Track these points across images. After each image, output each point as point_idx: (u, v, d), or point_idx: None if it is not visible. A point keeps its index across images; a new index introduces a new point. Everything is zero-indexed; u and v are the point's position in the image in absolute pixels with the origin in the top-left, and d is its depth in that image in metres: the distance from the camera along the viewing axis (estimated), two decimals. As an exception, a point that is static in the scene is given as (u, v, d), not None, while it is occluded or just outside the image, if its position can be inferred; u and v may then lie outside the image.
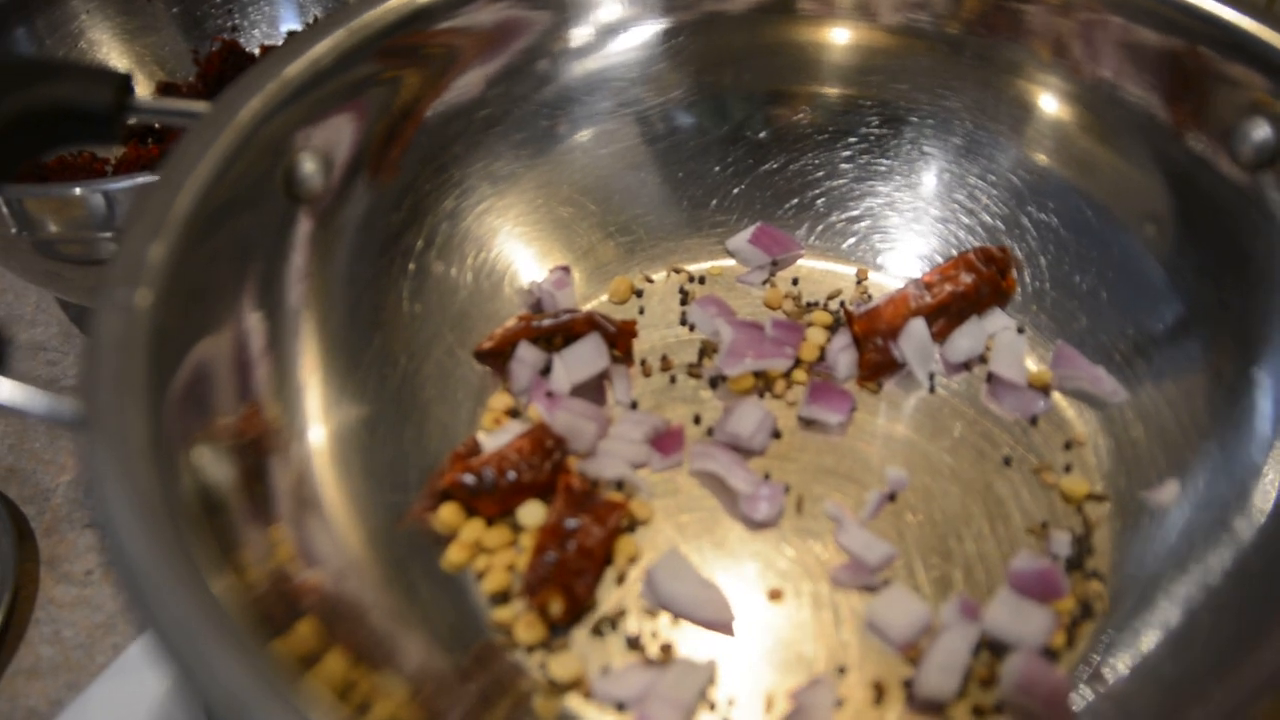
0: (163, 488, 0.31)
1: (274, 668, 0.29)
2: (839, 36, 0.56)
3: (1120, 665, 0.43)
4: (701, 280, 0.57)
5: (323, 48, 0.45)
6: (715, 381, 0.53)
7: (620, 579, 0.46)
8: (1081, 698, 0.42)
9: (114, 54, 0.77)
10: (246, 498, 0.38)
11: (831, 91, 0.57)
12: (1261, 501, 0.44)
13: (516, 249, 0.55)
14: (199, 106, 0.43)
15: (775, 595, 0.46)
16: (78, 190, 0.54)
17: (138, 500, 0.31)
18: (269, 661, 0.29)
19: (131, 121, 0.74)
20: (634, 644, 0.44)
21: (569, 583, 0.44)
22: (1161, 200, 0.50)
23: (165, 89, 0.77)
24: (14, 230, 0.57)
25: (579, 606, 0.44)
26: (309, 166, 0.45)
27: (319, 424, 0.45)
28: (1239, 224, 0.47)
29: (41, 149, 0.42)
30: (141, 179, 0.54)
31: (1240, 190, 0.47)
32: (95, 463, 0.31)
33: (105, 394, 0.33)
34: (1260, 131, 0.46)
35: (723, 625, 0.45)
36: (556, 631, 0.44)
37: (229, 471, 0.37)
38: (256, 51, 0.80)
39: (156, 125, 0.77)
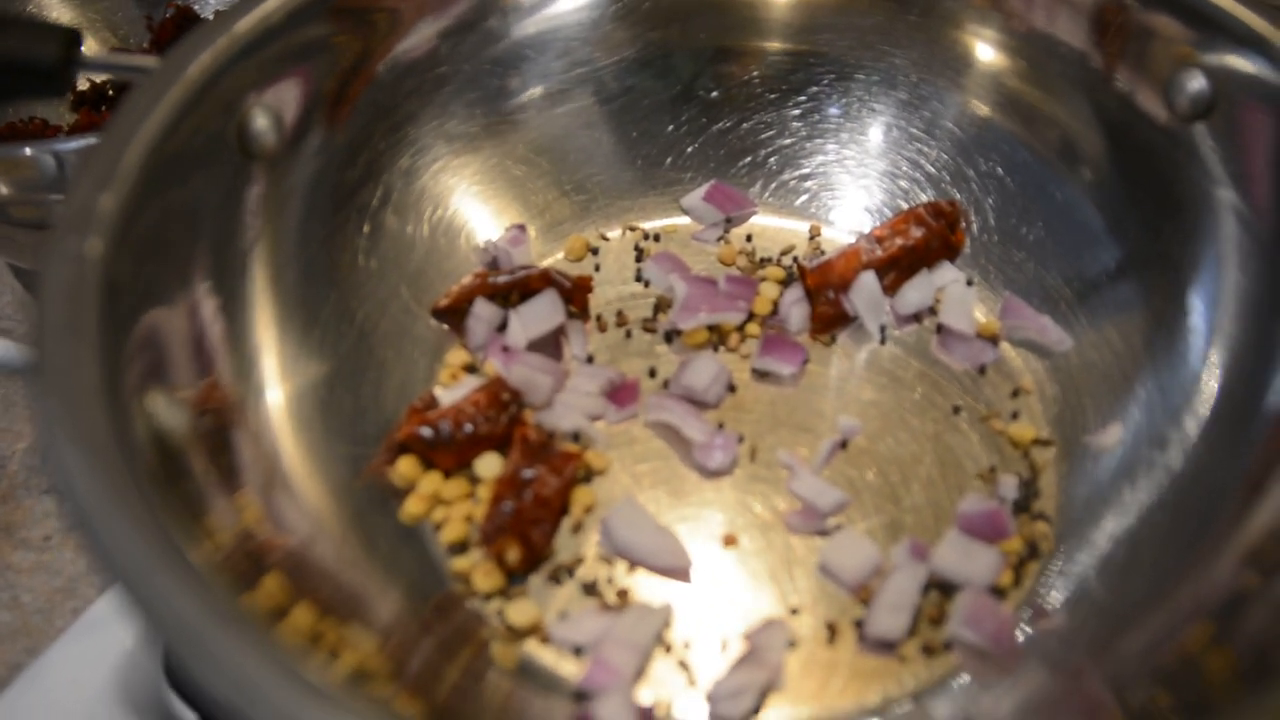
0: (116, 433, 0.32)
1: (236, 609, 0.30)
2: (781, -8, 0.57)
3: (1063, 600, 0.44)
4: (656, 238, 0.58)
5: (273, 4, 0.45)
6: (670, 336, 0.53)
7: (577, 528, 0.47)
8: (1026, 632, 0.43)
9: (65, 18, 0.76)
10: (208, 459, 0.38)
11: (778, 48, 0.57)
12: (1196, 436, 0.45)
13: (473, 207, 0.55)
14: (149, 62, 0.43)
15: (730, 541, 0.46)
16: (28, 150, 0.54)
17: (90, 446, 0.31)
18: (231, 602, 0.30)
19: (81, 85, 0.75)
20: (590, 590, 0.45)
21: (526, 531, 0.45)
22: (1099, 149, 0.51)
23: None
24: (-37, 193, 0.56)
25: (536, 555, 0.45)
26: (261, 122, 0.45)
27: (276, 383, 0.45)
28: (1175, 172, 0.48)
29: (-12, 104, 0.41)
30: (93, 139, 0.54)
31: (1176, 139, 0.48)
32: (46, 409, 0.31)
33: (55, 341, 0.33)
34: (1195, 83, 0.48)
35: (679, 571, 0.45)
36: (514, 580, 0.45)
37: (185, 421, 0.37)
38: (211, 17, 0.79)
39: (110, 92, 0.76)
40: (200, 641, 0.29)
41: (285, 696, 0.28)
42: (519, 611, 0.43)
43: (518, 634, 0.43)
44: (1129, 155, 0.50)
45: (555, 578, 0.45)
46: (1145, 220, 0.49)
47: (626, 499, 0.47)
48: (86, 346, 0.33)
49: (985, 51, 0.54)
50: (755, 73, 0.58)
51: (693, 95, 0.58)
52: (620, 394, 0.50)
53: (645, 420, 0.50)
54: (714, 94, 0.58)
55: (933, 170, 0.56)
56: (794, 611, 0.44)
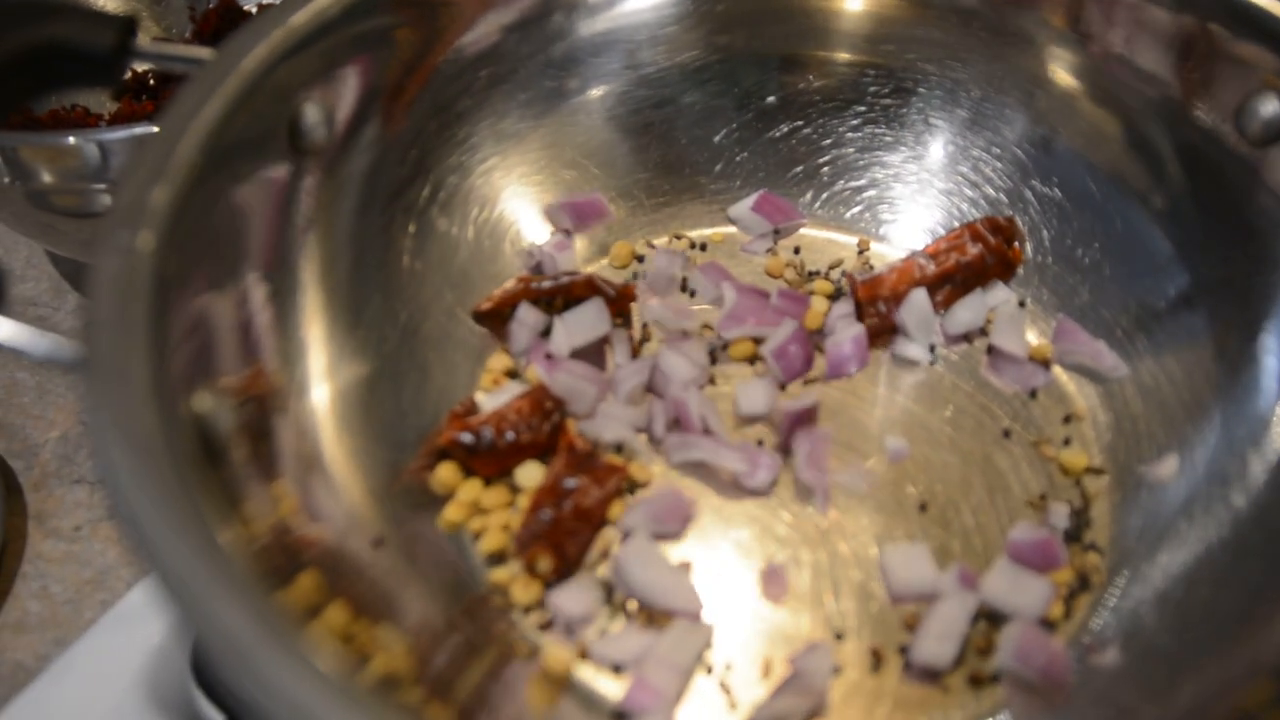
0: (164, 429, 0.31)
1: (274, 611, 0.29)
2: (852, 3, 0.55)
3: (1117, 637, 0.43)
4: (703, 247, 0.57)
5: (329, -3, 0.44)
6: (714, 353, 0.52)
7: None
8: (1078, 669, 0.42)
9: (109, 7, 0.76)
10: (249, 450, 0.38)
11: (842, 58, 0.56)
12: (1262, 476, 0.44)
13: (519, 209, 0.54)
14: (203, 53, 0.42)
15: (773, 562, 0.45)
16: (72, 139, 0.53)
17: (138, 441, 0.30)
18: (269, 604, 0.29)
19: (135, 69, 0.74)
20: (621, 608, 0.44)
21: (560, 542, 0.44)
22: (1169, 173, 0.50)
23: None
24: (6, 180, 0.56)
25: (568, 566, 0.44)
26: (313, 117, 0.44)
27: (321, 380, 0.44)
28: (1246, 198, 0.47)
29: (40, 91, 0.41)
30: (137, 129, 0.53)
31: (1248, 165, 0.47)
32: (95, 403, 0.31)
33: (105, 335, 0.32)
34: (1269, 107, 0.46)
35: (690, 614, 0.44)
36: (551, 585, 0.44)
37: (231, 419, 0.37)
38: (254, 10, 0.79)
39: (151, 82, 0.76)
40: (236, 647, 0.28)
41: (314, 701, 0.27)
42: (555, 657, 0.42)
43: (554, 678, 0.42)
44: (1201, 181, 0.49)
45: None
46: (1215, 248, 0.48)
47: (638, 536, 0.45)
48: (136, 341, 0.32)
49: (1058, 72, 0.53)
50: (815, 82, 0.57)
51: (748, 103, 0.57)
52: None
53: (672, 462, 0.48)
54: (770, 101, 0.57)
55: (990, 191, 0.55)
56: (838, 636, 0.43)
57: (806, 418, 0.49)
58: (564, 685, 0.41)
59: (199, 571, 0.29)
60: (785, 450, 0.49)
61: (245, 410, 0.38)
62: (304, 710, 0.27)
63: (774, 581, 0.45)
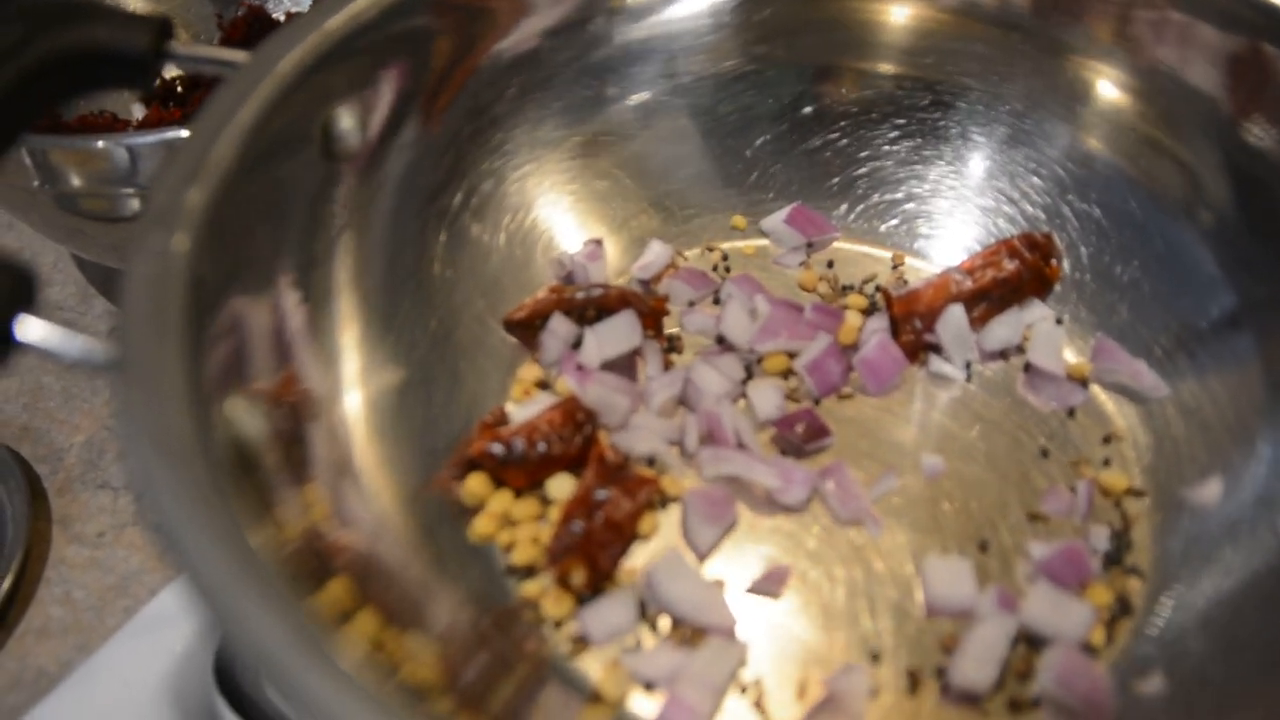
0: (197, 433, 0.30)
1: (307, 617, 0.28)
2: (897, 15, 0.55)
3: (1161, 664, 0.42)
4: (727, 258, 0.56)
5: (365, 1, 0.43)
6: (749, 369, 0.51)
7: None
8: (1120, 696, 0.41)
9: (139, 11, 0.75)
10: (281, 455, 0.37)
11: (884, 70, 0.56)
12: (1313, 500, 0.43)
13: (552, 217, 0.54)
14: (238, 56, 0.42)
15: (807, 579, 0.45)
16: (101, 143, 0.53)
17: (171, 444, 0.30)
18: (302, 609, 0.28)
19: (163, 76, 0.74)
20: (653, 624, 0.43)
21: (593, 554, 0.43)
22: (1218, 190, 0.49)
23: (191, 50, 0.76)
24: (36, 183, 0.56)
25: (601, 578, 0.43)
26: (347, 123, 0.44)
27: (353, 384, 0.44)
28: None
29: (76, 94, 0.40)
30: (167, 134, 0.53)
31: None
32: (128, 405, 0.30)
33: (139, 337, 0.31)
34: (1320, 126, 0.45)
35: (724, 631, 0.43)
36: (585, 600, 0.43)
37: (263, 425, 0.36)
38: (282, 17, 0.79)
39: (179, 88, 0.76)
40: (268, 651, 0.27)
41: (345, 706, 0.27)
42: (609, 681, 0.41)
43: (604, 700, 0.41)
44: (1248, 200, 0.48)
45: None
46: (1263, 268, 0.47)
47: (671, 552, 0.44)
48: (170, 344, 0.32)
49: (1104, 88, 0.52)
50: (852, 93, 0.56)
51: (786, 113, 0.56)
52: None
53: (704, 476, 0.47)
54: (807, 111, 0.56)
55: (1028, 208, 0.54)
56: (875, 657, 0.42)
57: (812, 429, 0.48)
58: (614, 712, 0.41)
59: (231, 575, 0.28)
60: (798, 454, 0.48)
61: (278, 414, 0.38)
62: (335, 716, 0.26)
63: (774, 579, 0.44)
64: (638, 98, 0.55)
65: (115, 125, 0.71)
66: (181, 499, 0.29)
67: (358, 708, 0.27)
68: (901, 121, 0.56)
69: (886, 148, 0.56)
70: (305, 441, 0.39)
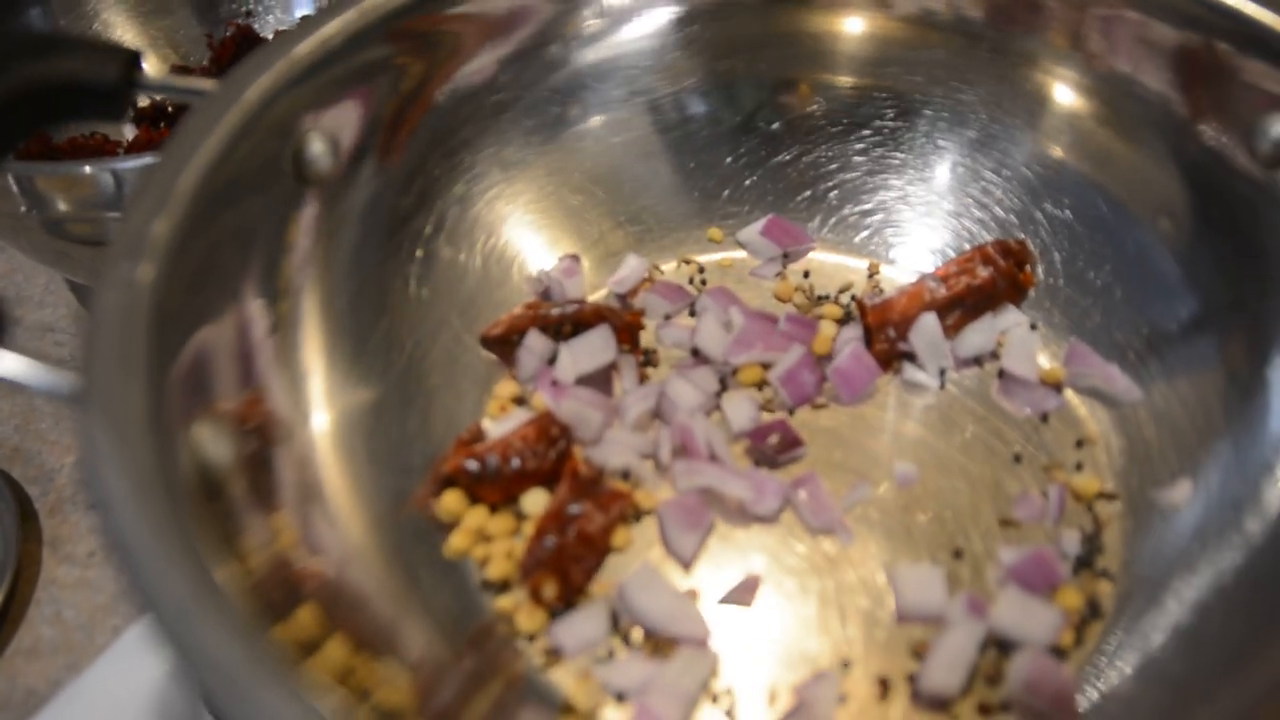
0: (161, 465, 0.31)
1: (273, 652, 0.29)
2: (853, 26, 0.55)
3: (1128, 665, 0.42)
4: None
5: (332, 28, 0.44)
6: (724, 381, 0.52)
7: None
8: (1088, 697, 0.41)
9: (128, 36, 0.77)
10: (248, 482, 0.38)
11: (845, 81, 0.56)
12: (1275, 501, 0.43)
13: (526, 236, 0.54)
14: (206, 84, 0.43)
15: (779, 588, 0.45)
16: (87, 169, 0.54)
17: (135, 477, 0.30)
18: (268, 645, 0.29)
19: (141, 102, 0.75)
20: (625, 638, 0.43)
21: (565, 568, 0.44)
22: (1177, 195, 0.49)
23: (178, 72, 0.76)
24: (23, 209, 0.56)
25: (573, 592, 0.44)
26: (318, 147, 0.45)
27: (322, 409, 0.45)
28: (1256, 220, 0.46)
29: (47, 124, 0.41)
30: (150, 159, 0.54)
31: (1258, 186, 0.46)
32: (92, 438, 0.31)
33: (104, 369, 0.32)
34: (1280, 129, 0.46)
35: (697, 641, 0.43)
36: (557, 614, 0.44)
37: (229, 452, 0.37)
38: (271, 37, 0.80)
39: (169, 109, 0.77)
40: (232, 684, 0.28)
41: None
42: (581, 693, 0.42)
43: (576, 711, 0.42)
44: (1209, 203, 0.48)
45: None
46: (1225, 271, 0.47)
47: (644, 565, 0.45)
48: (134, 375, 0.32)
49: (1062, 92, 0.53)
50: (819, 106, 0.57)
51: (753, 127, 0.57)
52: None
53: (680, 487, 0.47)
54: (775, 126, 0.57)
55: (1000, 213, 0.55)
56: (845, 664, 0.43)
57: (785, 441, 0.49)
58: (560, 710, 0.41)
59: (193, 608, 0.29)
60: (771, 465, 0.49)
61: (245, 441, 0.38)
62: None
63: (746, 589, 0.45)
64: (604, 117, 0.55)
65: (106, 146, 0.72)
66: (142, 528, 0.29)
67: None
68: (868, 133, 0.57)
69: (856, 158, 0.57)
70: (272, 466, 0.40)
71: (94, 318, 0.33)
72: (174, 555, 0.29)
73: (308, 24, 0.44)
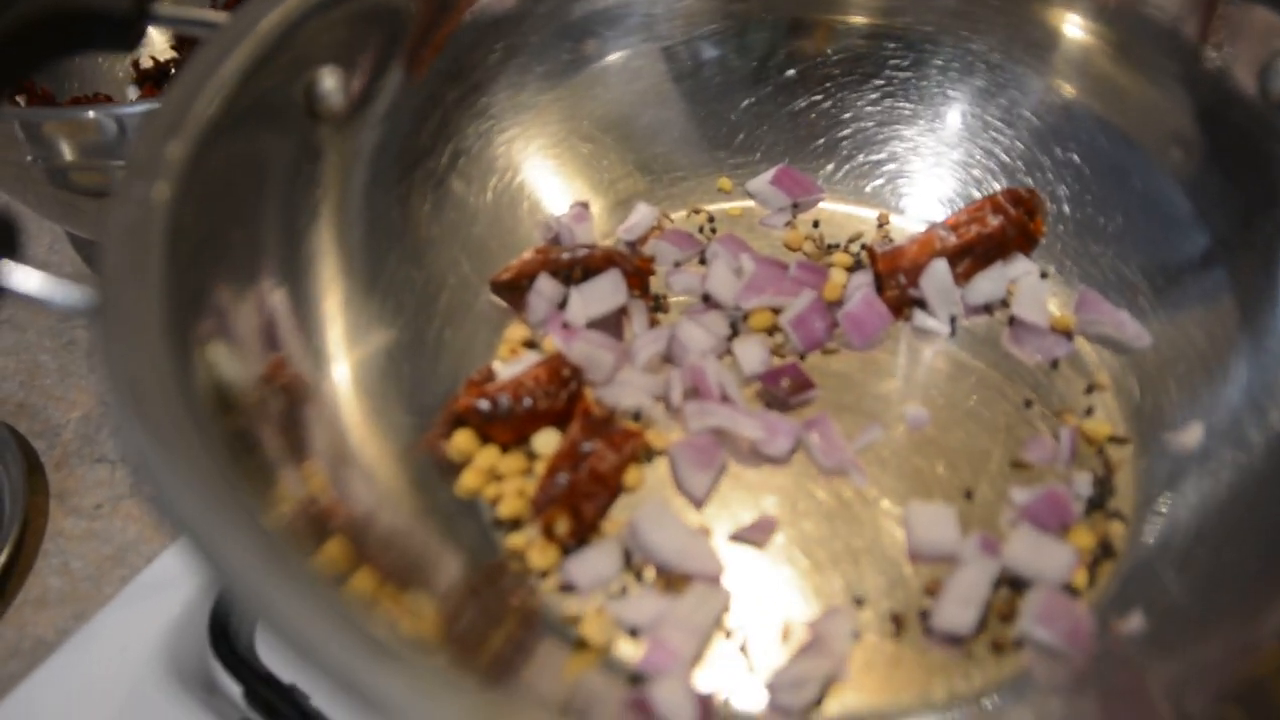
0: (177, 375, 0.31)
1: (302, 560, 0.29)
2: (868, -34, 0.55)
3: (1139, 602, 0.42)
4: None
5: (345, -38, 0.44)
6: (735, 326, 0.52)
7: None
8: (1102, 635, 0.41)
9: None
10: (264, 408, 0.37)
11: (858, 22, 0.56)
12: (1284, 437, 0.43)
13: (537, 180, 0.54)
14: (219, 17, 0.42)
15: (792, 527, 0.45)
16: (92, 113, 0.54)
17: (152, 387, 0.30)
18: (295, 550, 0.29)
19: (148, 62, 0.75)
20: (638, 574, 0.43)
21: (577, 504, 0.44)
22: (1188, 127, 0.49)
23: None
24: (29, 158, 0.56)
25: (585, 529, 0.44)
26: (329, 83, 0.44)
27: (339, 347, 0.44)
28: (1269, 159, 0.46)
29: (61, 52, 0.41)
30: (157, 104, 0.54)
31: (1271, 126, 0.46)
32: (109, 350, 0.31)
33: (119, 281, 0.32)
34: (1292, 70, 0.46)
35: (710, 577, 0.43)
36: (569, 550, 0.44)
37: (244, 372, 0.37)
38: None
39: (173, 70, 0.76)
40: (262, 594, 0.28)
41: (349, 654, 0.27)
42: (594, 628, 0.42)
43: (590, 646, 0.42)
44: (1220, 140, 0.48)
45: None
46: (1235, 208, 0.47)
47: (655, 501, 0.44)
48: (150, 289, 0.32)
49: (1072, 31, 0.52)
50: (831, 54, 0.56)
51: (766, 74, 0.57)
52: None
53: (691, 428, 0.47)
54: (788, 73, 0.57)
55: (1008, 159, 0.55)
56: (859, 601, 0.43)
57: (796, 383, 0.48)
58: (600, 658, 0.41)
59: (223, 524, 0.28)
60: (783, 407, 0.49)
61: (257, 364, 0.38)
62: (338, 663, 0.27)
63: (761, 529, 0.45)
64: (618, 61, 0.55)
65: (110, 103, 0.72)
66: (165, 445, 0.29)
67: (370, 660, 0.27)
68: (880, 82, 0.56)
69: (868, 108, 0.57)
70: (293, 403, 0.40)
71: (108, 235, 0.33)
72: (194, 464, 0.29)
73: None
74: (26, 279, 0.32)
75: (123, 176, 0.35)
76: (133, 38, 0.41)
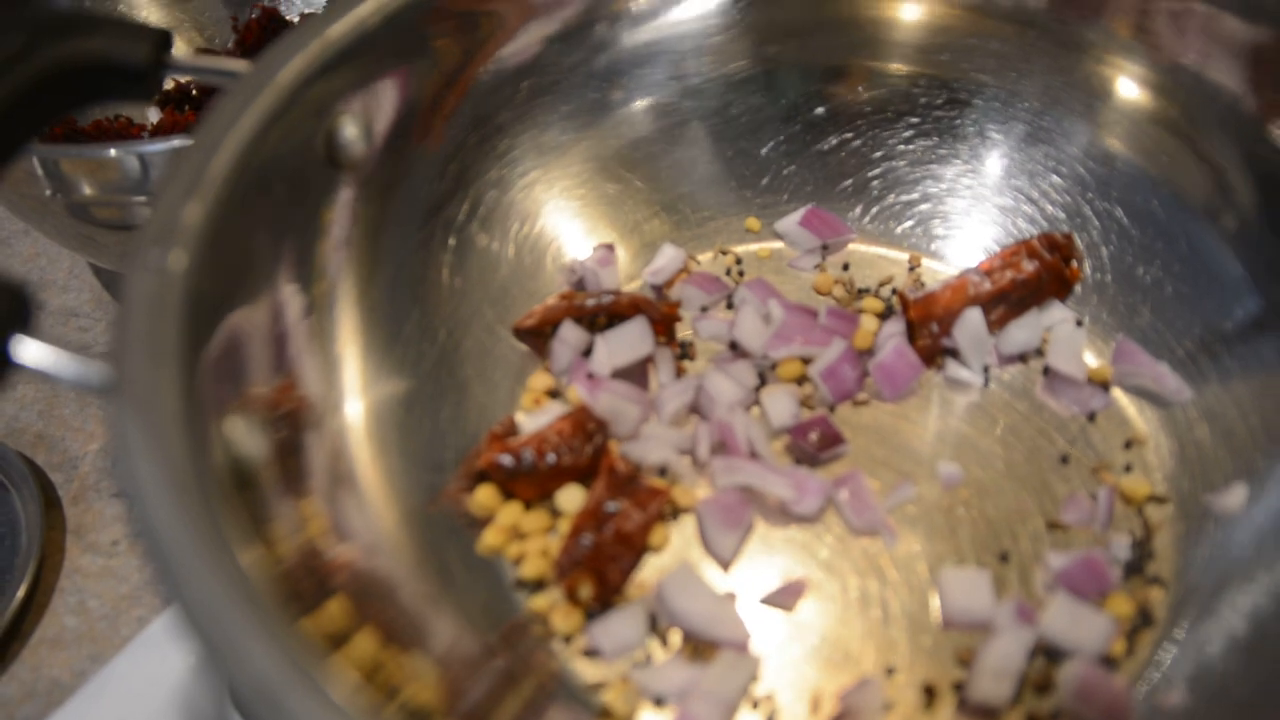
0: (193, 457, 0.30)
1: (301, 647, 0.28)
2: (910, 12, 0.54)
3: (1184, 679, 0.41)
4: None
5: (368, 8, 0.43)
6: (763, 375, 0.50)
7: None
8: (1142, 709, 0.40)
9: (154, 17, 0.76)
10: (279, 472, 0.37)
11: (898, 69, 0.54)
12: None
13: (561, 223, 0.53)
14: (238, 65, 0.41)
15: (821, 590, 0.44)
16: (112, 152, 0.53)
17: (167, 469, 0.29)
18: (296, 640, 0.28)
19: (169, 84, 0.74)
20: (663, 639, 0.42)
21: (602, 568, 0.43)
22: (1242, 191, 0.48)
23: (204, 55, 0.75)
24: (48, 192, 0.56)
25: (610, 592, 0.43)
26: (350, 132, 0.43)
27: (356, 398, 0.44)
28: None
29: (76, 105, 0.40)
30: (177, 142, 0.53)
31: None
32: (124, 430, 0.30)
33: (136, 359, 0.31)
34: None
35: (738, 644, 0.42)
36: (592, 615, 0.43)
37: (262, 444, 0.36)
38: (296, 19, 0.79)
39: (194, 91, 0.76)
40: (259, 679, 0.27)
41: None
42: (618, 697, 0.41)
43: (613, 716, 0.41)
44: (1276, 202, 0.46)
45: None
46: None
47: (682, 565, 0.43)
48: (166, 366, 0.31)
49: (1124, 85, 0.51)
50: (865, 93, 0.55)
51: (797, 114, 0.55)
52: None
53: (720, 485, 0.46)
54: (819, 111, 0.55)
55: (1048, 207, 0.53)
56: (890, 671, 0.42)
57: (826, 437, 0.47)
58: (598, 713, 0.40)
59: (221, 604, 0.28)
60: (812, 462, 0.48)
61: (278, 428, 0.37)
62: None
63: (790, 592, 0.44)
64: (646, 101, 0.54)
65: (130, 130, 0.71)
66: (172, 518, 0.28)
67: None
68: (916, 120, 0.55)
69: (901, 147, 0.55)
70: (305, 455, 0.39)
71: (124, 306, 0.32)
72: (202, 547, 0.29)
73: (342, 4, 0.43)
74: (43, 356, 0.31)
75: (139, 242, 0.34)
76: (150, 88, 0.40)
